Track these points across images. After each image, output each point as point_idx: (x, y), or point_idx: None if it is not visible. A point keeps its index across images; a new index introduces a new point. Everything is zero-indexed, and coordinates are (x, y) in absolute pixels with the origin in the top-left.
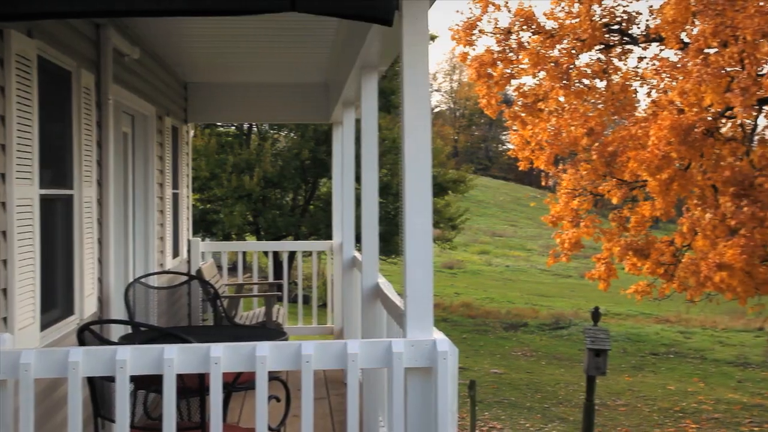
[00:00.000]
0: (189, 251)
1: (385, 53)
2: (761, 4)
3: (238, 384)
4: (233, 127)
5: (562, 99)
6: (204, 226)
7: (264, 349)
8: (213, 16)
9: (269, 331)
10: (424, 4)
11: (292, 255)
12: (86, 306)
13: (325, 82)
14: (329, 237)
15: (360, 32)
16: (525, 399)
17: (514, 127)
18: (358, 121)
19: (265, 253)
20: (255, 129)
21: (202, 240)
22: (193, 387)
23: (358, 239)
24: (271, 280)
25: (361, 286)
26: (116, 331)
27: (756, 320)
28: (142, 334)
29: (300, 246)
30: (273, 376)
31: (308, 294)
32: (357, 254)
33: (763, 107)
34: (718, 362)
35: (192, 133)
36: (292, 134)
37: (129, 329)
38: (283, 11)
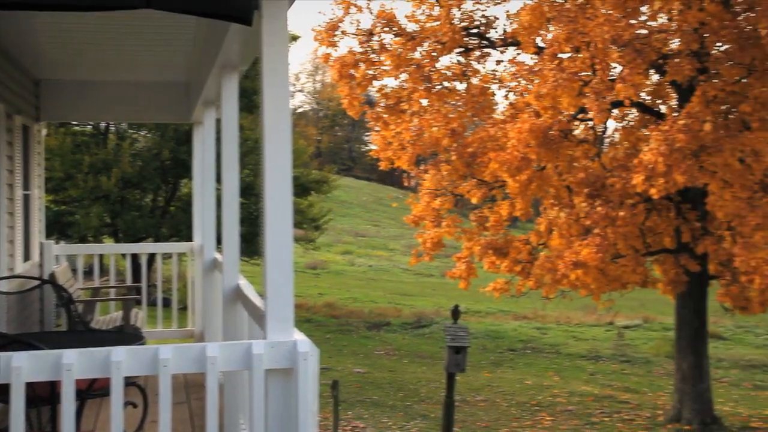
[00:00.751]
0: (42, 254)
1: (245, 53)
2: (610, 12)
3: (93, 391)
4: (89, 126)
5: (425, 102)
6: (59, 228)
7: (119, 354)
8: (63, 11)
9: (126, 335)
10: (284, 4)
11: (151, 257)
12: None
13: (185, 82)
14: (190, 239)
15: (220, 31)
16: (388, 398)
17: (377, 128)
18: (219, 121)
19: (123, 256)
20: (113, 128)
21: (56, 243)
22: (44, 395)
23: (219, 241)
24: (129, 283)
25: (222, 288)
26: None
27: (606, 315)
28: None
29: (159, 248)
30: (130, 382)
31: (168, 297)
32: (218, 256)
33: (613, 110)
34: (571, 356)
35: (45, 132)
36: (151, 134)
37: None
38: (138, 8)
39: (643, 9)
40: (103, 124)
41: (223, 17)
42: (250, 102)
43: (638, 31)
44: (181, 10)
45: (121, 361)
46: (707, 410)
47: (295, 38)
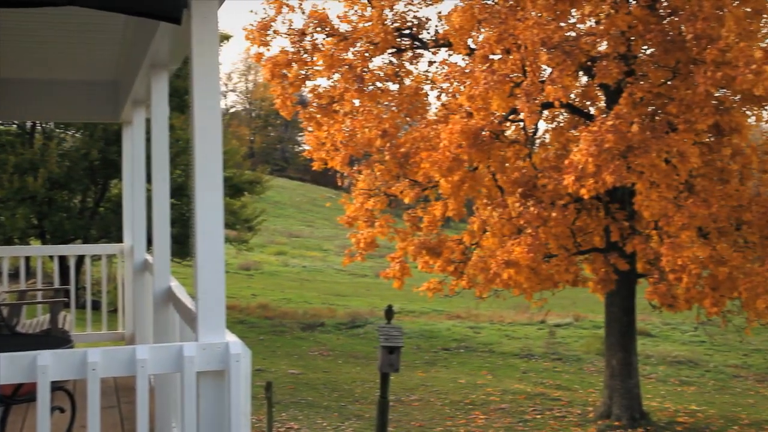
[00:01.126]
0: None
1: (175, 52)
2: (540, 15)
3: (19, 396)
4: (14, 126)
5: (357, 103)
6: None
7: (46, 358)
8: None
9: (53, 338)
10: (214, 4)
11: (80, 259)
12: None
13: (114, 80)
14: (120, 240)
15: (149, 29)
16: (322, 398)
17: (310, 128)
18: (149, 121)
19: (51, 258)
20: (39, 128)
21: None
22: None
23: (150, 242)
24: (57, 285)
25: (153, 290)
26: None
27: (538, 314)
28: None
29: (88, 250)
30: (57, 386)
31: (98, 299)
32: (149, 257)
33: (543, 111)
34: (504, 355)
35: None
36: (79, 134)
37: None
38: (63, 5)
39: (573, 12)
40: (29, 123)
41: (151, 15)
42: (181, 102)
43: (567, 34)
44: (107, 8)
45: (48, 366)
46: (636, 406)
47: (226, 37)
